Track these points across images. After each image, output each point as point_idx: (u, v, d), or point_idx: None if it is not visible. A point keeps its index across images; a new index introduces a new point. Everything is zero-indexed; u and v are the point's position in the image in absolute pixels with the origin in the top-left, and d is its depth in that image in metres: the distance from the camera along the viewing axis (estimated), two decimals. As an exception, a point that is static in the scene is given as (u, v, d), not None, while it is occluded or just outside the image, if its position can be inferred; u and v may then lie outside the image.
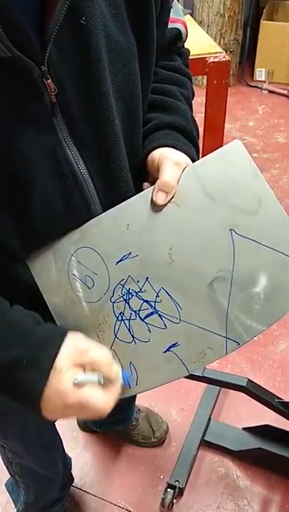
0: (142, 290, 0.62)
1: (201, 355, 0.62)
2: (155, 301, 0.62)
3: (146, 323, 0.62)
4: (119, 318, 0.63)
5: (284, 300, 0.61)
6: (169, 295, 0.61)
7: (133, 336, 0.63)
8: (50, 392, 0.54)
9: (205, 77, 1.77)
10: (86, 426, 1.53)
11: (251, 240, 0.60)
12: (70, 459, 1.32)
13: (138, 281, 0.62)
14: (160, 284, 0.61)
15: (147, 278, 0.61)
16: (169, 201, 0.60)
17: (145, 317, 0.62)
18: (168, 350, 0.62)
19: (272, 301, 0.61)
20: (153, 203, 0.60)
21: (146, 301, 0.62)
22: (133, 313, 0.62)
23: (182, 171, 0.61)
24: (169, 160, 0.61)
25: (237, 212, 0.60)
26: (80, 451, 1.52)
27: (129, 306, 0.62)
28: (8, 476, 1.24)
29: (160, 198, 0.60)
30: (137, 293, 0.62)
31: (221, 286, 0.61)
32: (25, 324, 0.57)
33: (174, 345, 0.62)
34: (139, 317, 0.62)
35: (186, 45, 0.80)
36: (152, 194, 0.60)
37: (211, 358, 0.62)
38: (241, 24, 3.34)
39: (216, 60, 1.71)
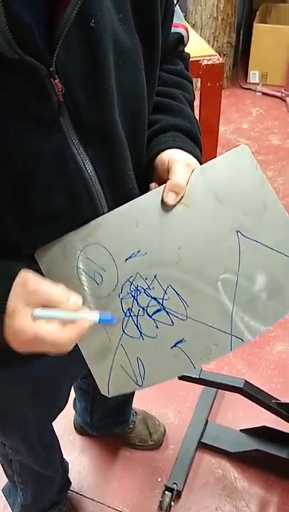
0: (150, 287, 0.63)
1: (206, 351, 0.63)
2: (163, 299, 0.63)
3: (153, 319, 0.64)
4: (128, 314, 0.64)
5: (285, 300, 0.63)
6: (176, 293, 0.63)
7: (141, 332, 0.64)
8: (8, 333, 0.54)
9: (199, 79, 1.78)
10: (83, 429, 1.53)
11: (256, 241, 0.62)
12: (68, 463, 1.31)
13: (146, 279, 0.63)
14: (168, 282, 0.63)
15: (155, 276, 0.63)
16: (178, 202, 0.62)
17: (153, 313, 0.64)
18: (175, 346, 0.64)
19: (274, 302, 0.63)
20: (163, 203, 0.62)
21: (154, 298, 0.63)
22: (141, 309, 0.64)
23: (191, 172, 0.62)
24: (179, 162, 0.62)
25: (243, 215, 0.62)
26: (77, 454, 1.52)
27: (138, 303, 0.64)
28: (5, 482, 1.23)
29: (171, 199, 0.61)
30: (145, 290, 0.63)
31: (226, 286, 0.62)
32: None
33: (180, 342, 0.64)
34: (147, 313, 0.64)
35: (181, 48, 0.80)
36: (163, 194, 0.61)
37: (216, 354, 0.64)
38: (234, 27, 3.36)
39: (210, 62, 1.71)
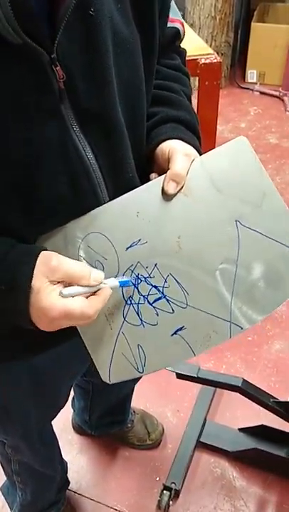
0: (151, 276, 0.64)
1: (206, 338, 0.64)
2: (163, 287, 0.64)
3: (154, 307, 0.65)
4: (128, 302, 0.65)
5: (283, 289, 0.64)
6: (176, 281, 0.64)
7: (141, 320, 0.65)
8: (34, 311, 0.55)
9: (197, 78, 1.78)
10: (81, 429, 1.52)
11: (255, 231, 0.63)
12: (66, 462, 1.31)
13: (147, 267, 0.64)
14: (168, 271, 0.64)
15: (156, 264, 0.64)
16: (178, 191, 0.62)
17: (153, 301, 0.65)
18: (175, 333, 0.65)
19: (272, 290, 0.64)
20: (163, 193, 0.62)
21: (155, 287, 0.64)
22: (142, 297, 0.65)
23: (191, 162, 0.63)
24: (179, 152, 0.63)
25: (242, 205, 0.63)
26: (75, 454, 1.52)
27: (138, 291, 0.65)
28: (3, 481, 1.23)
29: (171, 188, 0.62)
30: (145, 278, 0.64)
31: (224, 276, 0.63)
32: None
33: (180, 329, 0.65)
34: (148, 301, 0.65)
35: (178, 46, 0.81)
36: (163, 183, 0.62)
37: (215, 342, 0.64)
38: (232, 26, 3.36)
39: (208, 61, 1.71)
